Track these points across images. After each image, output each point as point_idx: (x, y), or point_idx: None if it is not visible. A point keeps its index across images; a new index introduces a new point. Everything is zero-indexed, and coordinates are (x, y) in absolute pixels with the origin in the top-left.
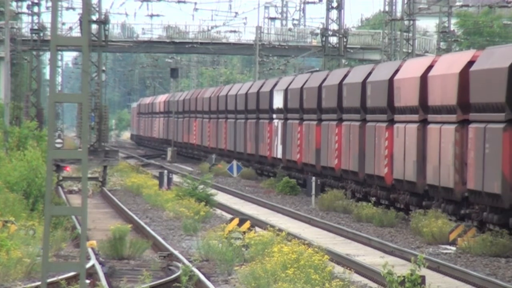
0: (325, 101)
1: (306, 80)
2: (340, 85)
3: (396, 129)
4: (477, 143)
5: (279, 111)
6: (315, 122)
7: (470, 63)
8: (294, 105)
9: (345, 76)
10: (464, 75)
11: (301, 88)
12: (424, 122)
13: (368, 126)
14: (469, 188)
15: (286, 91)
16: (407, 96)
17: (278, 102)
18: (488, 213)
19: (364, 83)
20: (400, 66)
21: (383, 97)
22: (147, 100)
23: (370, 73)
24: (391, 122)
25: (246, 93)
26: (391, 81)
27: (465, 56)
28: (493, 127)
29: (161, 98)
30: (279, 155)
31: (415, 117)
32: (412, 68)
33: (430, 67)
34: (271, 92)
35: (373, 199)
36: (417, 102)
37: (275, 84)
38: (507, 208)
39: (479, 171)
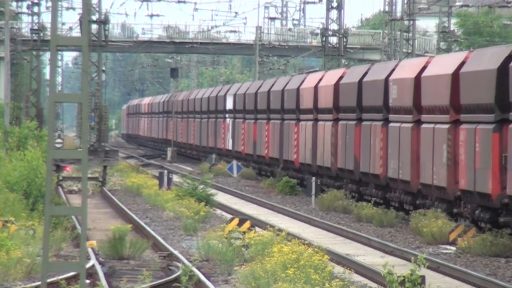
0: (259, 104)
1: (248, 87)
2: (268, 92)
3: (301, 126)
4: (342, 135)
5: (230, 111)
6: (253, 121)
7: (341, 77)
8: (239, 107)
9: (273, 84)
10: (336, 86)
11: (244, 93)
12: (316, 120)
13: (285, 123)
14: (339, 167)
15: (234, 96)
16: (307, 101)
17: (229, 104)
18: (350, 184)
19: (283, 91)
20: (304, 79)
21: (293, 101)
22: (135, 102)
23: (287, 83)
24: (298, 120)
25: (208, 97)
26: (298, 89)
27: (337, 73)
28: (350, 123)
29: (146, 100)
30: (230, 147)
31: (310, 116)
32: (311, 80)
33: (320, 80)
34: (225, 96)
35: (295, 180)
36: (312, 105)
37: (228, 90)
38: (357, 180)
39: (343, 154)
